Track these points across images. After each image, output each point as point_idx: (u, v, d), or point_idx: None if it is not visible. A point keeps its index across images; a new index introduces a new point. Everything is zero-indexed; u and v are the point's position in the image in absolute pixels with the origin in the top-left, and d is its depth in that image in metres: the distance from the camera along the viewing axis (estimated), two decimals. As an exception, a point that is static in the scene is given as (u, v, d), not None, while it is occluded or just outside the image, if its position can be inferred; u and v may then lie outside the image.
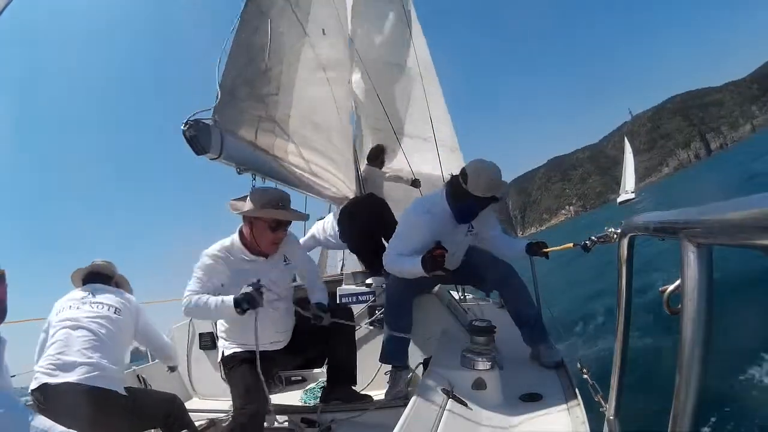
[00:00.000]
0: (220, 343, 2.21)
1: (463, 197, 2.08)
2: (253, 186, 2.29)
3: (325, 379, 2.41)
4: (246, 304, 1.90)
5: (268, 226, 2.07)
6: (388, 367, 2.31)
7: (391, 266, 2.19)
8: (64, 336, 1.95)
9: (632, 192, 64.66)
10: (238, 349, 2.10)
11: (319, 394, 2.44)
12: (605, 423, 1.08)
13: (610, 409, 1.06)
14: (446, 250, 1.98)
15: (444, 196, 2.18)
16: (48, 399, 1.78)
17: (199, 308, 1.97)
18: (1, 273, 1.63)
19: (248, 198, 2.12)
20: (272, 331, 2.15)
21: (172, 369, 2.65)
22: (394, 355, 2.26)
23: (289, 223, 2.17)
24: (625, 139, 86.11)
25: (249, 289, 1.92)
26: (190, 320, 2.98)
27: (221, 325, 2.21)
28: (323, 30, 2.80)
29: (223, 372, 2.21)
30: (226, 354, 2.14)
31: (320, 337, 2.28)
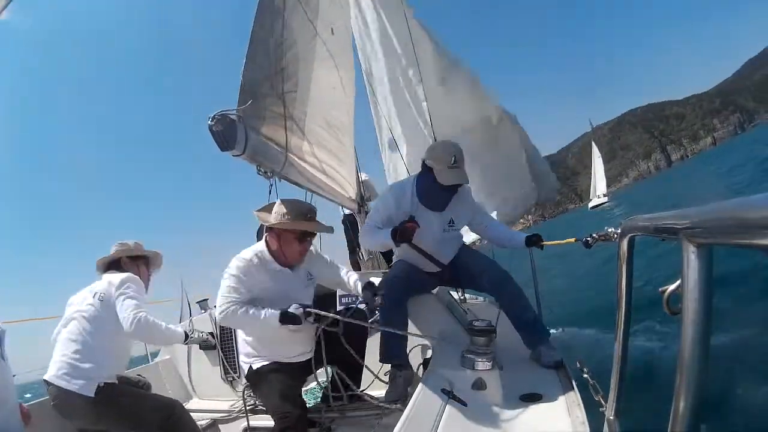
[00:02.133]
0: (244, 359, 2.19)
1: (427, 173, 2.18)
2: (271, 186, 2.28)
3: (324, 379, 2.41)
4: (290, 322, 1.94)
5: (296, 237, 2.06)
6: (388, 367, 2.31)
7: (364, 239, 2.38)
8: (59, 331, 2.07)
9: (604, 195, 62.86)
10: (266, 362, 2.10)
11: (320, 395, 2.44)
12: (605, 423, 1.08)
13: (610, 409, 1.05)
14: (417, 225, 2.07)
15: (414, 178, 2.31)
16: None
17: (240, 319, 1.96)
18: None
19: (275, 207, 2.11)
20: (298, 345, 2.17)
21: (206, 345, 2.76)
22: (394, 353, 2.25)
23: (314, 234, 2.18)
24: (593, 144, 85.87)
25: (299, 311, 1.95)
26: (190, 320, 2.97)
27: (245, 341, 2.20)
28: (332, 29, 2.81)
29: (250, 385, 2.22)
30: (254, 368, 2.11)
31: (330, 339, 2.28)
